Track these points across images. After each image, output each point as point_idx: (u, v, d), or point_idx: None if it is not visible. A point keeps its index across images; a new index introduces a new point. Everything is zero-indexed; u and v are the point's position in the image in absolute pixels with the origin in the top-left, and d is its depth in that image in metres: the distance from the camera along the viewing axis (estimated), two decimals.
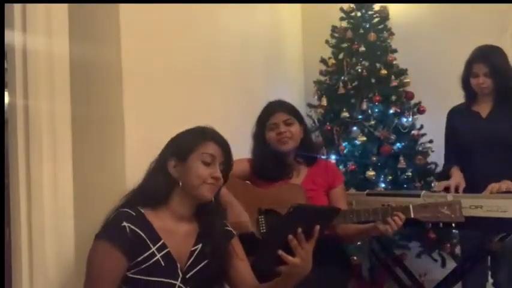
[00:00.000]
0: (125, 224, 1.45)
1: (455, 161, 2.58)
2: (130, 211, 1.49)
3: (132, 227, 1.45)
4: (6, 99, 1.95)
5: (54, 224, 1.85)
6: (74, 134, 1.95)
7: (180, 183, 1.53)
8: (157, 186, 1.53)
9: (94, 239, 1.47)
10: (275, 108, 2.22)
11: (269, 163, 2.18)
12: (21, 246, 1.82)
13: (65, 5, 1.95)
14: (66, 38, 1.95)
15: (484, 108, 2.53)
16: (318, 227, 1.40)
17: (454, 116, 2.64)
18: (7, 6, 1.85)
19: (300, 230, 1.37)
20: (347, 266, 2.32)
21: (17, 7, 1.85)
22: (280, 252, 1.37)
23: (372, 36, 3.28)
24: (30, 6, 1.85)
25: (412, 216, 1.89)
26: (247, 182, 2.20)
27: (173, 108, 2.13)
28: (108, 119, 1.94)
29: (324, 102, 3.28)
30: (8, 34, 1.84)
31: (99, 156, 1.94)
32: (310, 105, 3.42)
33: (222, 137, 1.61)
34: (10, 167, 1.87)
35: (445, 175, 2.58)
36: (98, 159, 1.94)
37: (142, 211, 1.51)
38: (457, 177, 2.46)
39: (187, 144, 1.56)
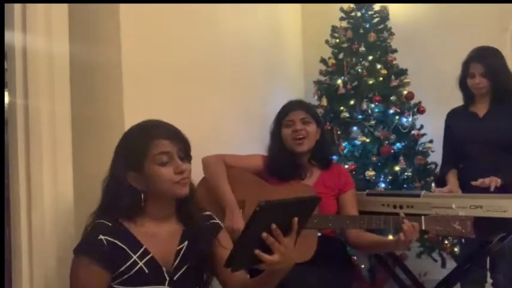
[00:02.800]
0: (101, 236, 1.41)
1: (453, 163, 2.59)
2: (106, 222, 1.44)
3: (110, 238, 1.41)
4: (6, 99, 1.95)
5: (54, 224, 1.85)
6: (74, 134, 1.95)
7: (144, 194, 1.45)
8: (126, 201, 1.45)
9: (73, 253, 1.45)
10: (294, 106, 2.21)
11: (283, 162, 2.16)
12: (21, 246, 1.82)
13: (65, 5, 1.94)
14: (66, 38, 1.95)
15: (481, 109, 2.54)
16: (295, 220, 1.32)
17: (452, 117, 2.66)
18: (7, 6, 1.85)
19: (274, 226, 1.29)
20: (351, 269, 2.31)
21: (17, 7, 1.85)
22: (256, 251, 1.29)
23: (372, 36, 3.27)
24: (30, 6, 1.85)
25: (424, 228, 1.87)
26: (259, 178, 2.18)
27: (173, 108, 2.13)
28: (108, 119, 1.94)
29: (324, 102, 3.28)
30: (8, 34, 1.84)
31: (99, 156, 1.94)
32: None
33: (168, 125, 1.50)
34: (10, 167, 1.87)
35: (441, 179, 2.60)
36: (98, 159, 1.94)
37: (120, 220, 1.46)
38: (452, 184, 2.48)
39: (135, 152, 1.45)
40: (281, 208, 1.33)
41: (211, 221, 1.61)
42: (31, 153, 1.84)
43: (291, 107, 2.21)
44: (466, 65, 2.52)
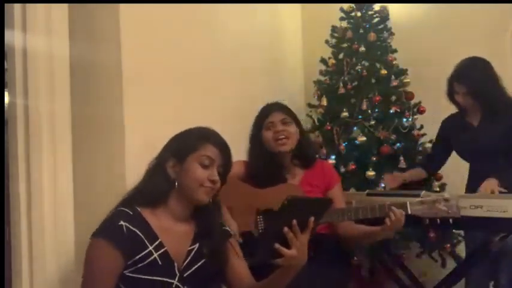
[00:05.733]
0: (122, 222, 1.46)
1: (433, 165, 2.76)
2: (127, 210, 1.50)
3: (129, 226, 1.46)
4: (6, 99, 1.96)
5: (54, 224, 1.85)
6: (74, 134, 1.95)
7: (176, 184, 1.53)
8: (156, 186, 1.53)
9: (91, 237, 1.48)
10: (272, 108, 2.22)
11: (265, 166, 2.15)
12: (21, 246, 1.82)
13: (65, 5, 1.95)
14: (66, 38, 1.95)
15: (475, 118, 2.58)
16: (312, 218, 1.40)
17: (448, 126, 2.70)
18: (7, 6, 1.85)
19: (295, 221, 1.37)
20: (348, 268, 2.32)
21: (17, 7, 1.86)
22: (277, 245, 1.37)
23: (372, 36, 3.27)
24: (30, 6, 1.86)
25: (409, 212, 1.91)
26: (244, 183, 2.17)
27: (173, 108, 2.13)
28: (108, 119, 1.94)
29: (324, 102, 3.27)
30: (8, 34, 1.85)
31: (99, 156, 1.94)
32: (310, 105, 3.41)
33: (222, 138, 1.60)
34: (10, 167, 1.88)
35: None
36: (98, 159, 1.95)
37: (140, 210, 1.52)
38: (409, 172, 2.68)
39: (186, 145, 1.55)
40: (303, 205, 1.44)
41: (222, 228, 1.65)
42: (31, 153, 1.85)
43: (269, 109, 2.22)
44: (450, 83, 2.55)
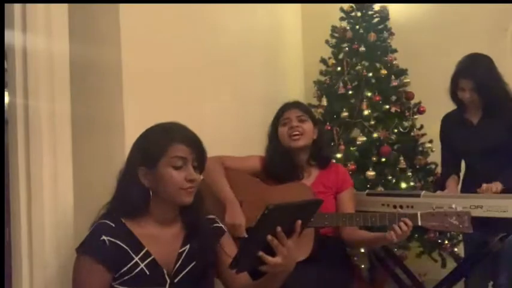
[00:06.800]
0: (103, 237, 1.42)
1: (453, 168, 2.62)
2: (109, 222, 1.46)
3: (112, 239, 1.43)
4: (6, 99, 1.95)
5: (54, 224, 1.85)
6: (74, 134, 1.95)
7: (151, 193, 1.46)
8: (133, 197, 1.46)
9: (76, 253, 1.46)
10: (289, 105, 2.25)
11: (280, 162, 2.17)
12: (21, 246, 1.82)
13: (65, 5, 1.94)
14: (66, 38, 1.95)
15: (475, 115, 2.57)
16: (299, 222, 1.35)
17: (448, 124, 2.68)
18: (7, 6, 1.85)
19: (279, 228, 1.31)
20: (350, 268, 2.32)
21: (17, 7, 1.85)
22: (260, 253, 1.32)
23: (372, 36, 3.27)
24: (30, 6, 1.85)
25: (420, 224, 1.87)
26: (257, 179, 2.19)
27: (173, 108, 2.13)
28: (108, 119, 1.94)
29: (324, 102, 3.28)
30: (8, 34, 1.84)
31: (99, 156, 1.94)
32: (310, 105, 3.41)
33: (190, 132, 1.51)
34: (10, 167, 1.87)
35: (442, 184, 2.61)
36: (98, 159, 1.94)
37: (123, 220, 1.47)
38: (451, 190, 2.50)
39: (153, 150, 1.47)
40: (287, 211, 1.36)
41: (214, 225, 1.61)
42: (31, 153, 1.84)
43: (286, 106, 2.26)
44: (455, 79, 2.52)
